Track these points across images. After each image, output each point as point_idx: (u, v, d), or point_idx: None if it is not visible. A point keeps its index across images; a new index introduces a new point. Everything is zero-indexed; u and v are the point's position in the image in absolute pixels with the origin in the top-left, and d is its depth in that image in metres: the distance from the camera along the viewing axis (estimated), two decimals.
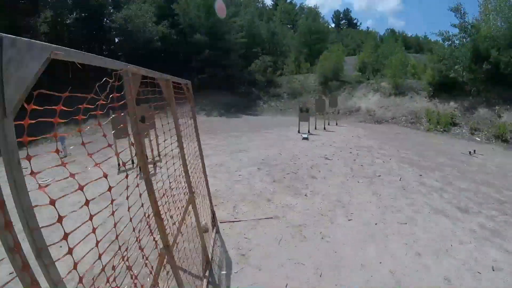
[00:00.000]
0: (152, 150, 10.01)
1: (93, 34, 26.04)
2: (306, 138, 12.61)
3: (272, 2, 59.26)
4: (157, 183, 2.56)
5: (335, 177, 8.12)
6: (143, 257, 1.99)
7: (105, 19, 25.87)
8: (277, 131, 15.08)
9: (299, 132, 14.04)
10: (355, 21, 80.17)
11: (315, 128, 14.89)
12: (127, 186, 1.90)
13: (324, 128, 15.02)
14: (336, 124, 16.40)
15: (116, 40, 27.11)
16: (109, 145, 1.75)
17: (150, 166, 9.16)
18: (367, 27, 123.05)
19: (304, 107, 13.82)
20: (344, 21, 79.74)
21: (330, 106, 15.81)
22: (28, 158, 1.05)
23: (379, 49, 29.10)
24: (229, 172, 8.56)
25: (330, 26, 55.12)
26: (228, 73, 25.89)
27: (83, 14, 25.07)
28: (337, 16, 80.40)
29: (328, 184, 7.64)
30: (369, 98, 21.80)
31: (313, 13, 40.24)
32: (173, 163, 3.50)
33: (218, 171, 8.68)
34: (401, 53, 24.88)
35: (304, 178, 7.99)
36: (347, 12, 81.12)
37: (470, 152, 10.81)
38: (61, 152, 11.72)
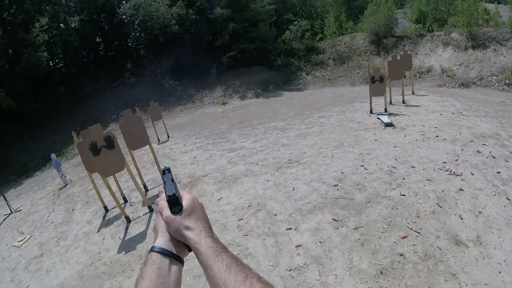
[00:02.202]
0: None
1: (107, 33, 23.17)
2: (390, 124, 7.77)
3: None
4: None
5: (507, 240, 3.56)
6: None
7: (116, 14, 22.51)
8: (337, 112, 10.35)
9: (372, 112, 9.28)
10: None
11: (390, 103, 10.12)
12: None
13: (404, 102, 10.27)
14: (413, 93, 11.68)
15: (132, 34, 23.99)
16: None
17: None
18: None
19: (377, 75, 9.20)
20: None
21: (403, 69, 11.06)
22: None
23: None
24: (273, 234, 4.26)
25: None
26: (259, 46, 21.34)
27: (93, 16, 22.09)
28: None
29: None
30: (439, 54, 16.42)
31: None
32: None
33: (253, 229, 4.48)
34: None
35: (443, 255, 3.43)
36: None
37: None
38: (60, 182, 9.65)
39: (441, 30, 17.74)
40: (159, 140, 11.73)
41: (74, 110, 18.72)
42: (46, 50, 19.82)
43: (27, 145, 16.12)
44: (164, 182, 0.86)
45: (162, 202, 0.83)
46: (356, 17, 24.77)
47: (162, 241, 0.81)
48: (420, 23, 21.00)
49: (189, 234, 0.77)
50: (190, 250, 0.81)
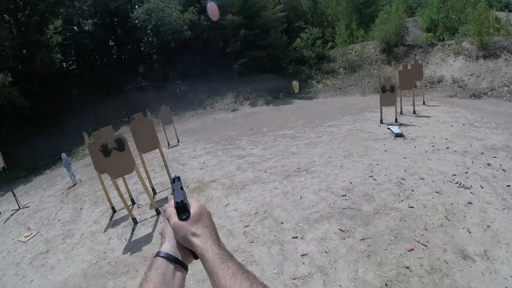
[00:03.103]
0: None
1: (120, 37, 23.33)
2: (401, 135, 7.75)
3: None
4: None
5: None
6: None
7: (129, 19, 22.75)
8: (347, 121, 10.32)
9: (382, 122, 9.22)
10: None
11: (401, 113, 10.05)
12: None
13: (414, 112, 10.14)
14: (424, 103, 11.60)
15: (145, 38, 24.22)
16: None
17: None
18: None
19: (387, 85, 8.94)
20: None
21: (413, 78, 10.99)
22: None
23: (447, 2, 22.94)
24: (279, 242, 4.25)
25: None
26: (270, 54, 21.42)
27: (107, 20, 22.32)
28: None
29: None
30: (450, 64, 16.29)
31: None
32: None
33: (259, 236, 4.46)
34: (483, 2, 18.95)
35: (449, 269, 3.40)
36: None
37: None
38: (70, 181, 9.66)
39: (452, 39, 17.60)
40: (169, 144, 11.83)
41: (85, 112, 18.98)
42: (59, 51, 20.16)
43: (38, 144, 16.37)
44: (173, 190, 0.88)
45: (170, 209, 0.85)
46: (367, 25, 24.75)
47: (169, 246, 0.82)
48: (431, 32, 20.92)
49: (195, 240, 0.78)
50: (195, 257, 0.83)
